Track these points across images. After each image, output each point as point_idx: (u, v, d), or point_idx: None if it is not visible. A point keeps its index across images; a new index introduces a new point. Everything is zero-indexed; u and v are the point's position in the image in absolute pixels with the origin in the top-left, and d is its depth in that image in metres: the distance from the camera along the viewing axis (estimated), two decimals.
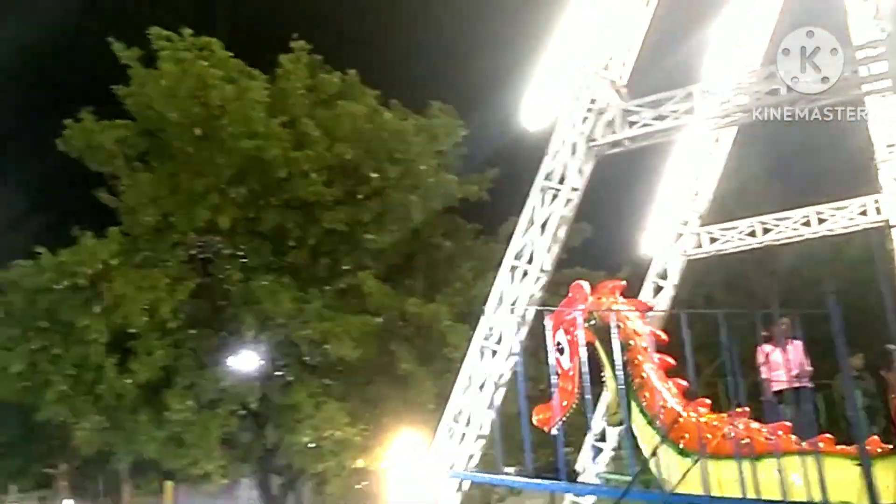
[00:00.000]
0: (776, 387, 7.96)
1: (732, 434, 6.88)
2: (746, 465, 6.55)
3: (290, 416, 17.32)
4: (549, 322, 8.16)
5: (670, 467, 7.22)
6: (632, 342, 7.87)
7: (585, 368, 7.14)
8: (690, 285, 15.26)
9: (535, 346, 9.43)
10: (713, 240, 12.29)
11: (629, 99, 9.09)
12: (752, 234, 12.31)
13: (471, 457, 8.34)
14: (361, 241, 18.36)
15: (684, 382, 7.42)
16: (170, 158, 18.14)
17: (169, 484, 26.29)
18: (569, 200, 8.72)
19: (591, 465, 8.18)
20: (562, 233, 8.80)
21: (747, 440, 6.65)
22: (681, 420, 7.49)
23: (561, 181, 8.80)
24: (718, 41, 10.64)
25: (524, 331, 8.48)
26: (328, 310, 17.42)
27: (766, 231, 12.23)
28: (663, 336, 7.84)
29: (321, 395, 17.51)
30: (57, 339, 16.96)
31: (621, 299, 8.31)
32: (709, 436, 7.08)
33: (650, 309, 8.81)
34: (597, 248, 18.16)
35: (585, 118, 8.95)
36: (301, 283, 17.99)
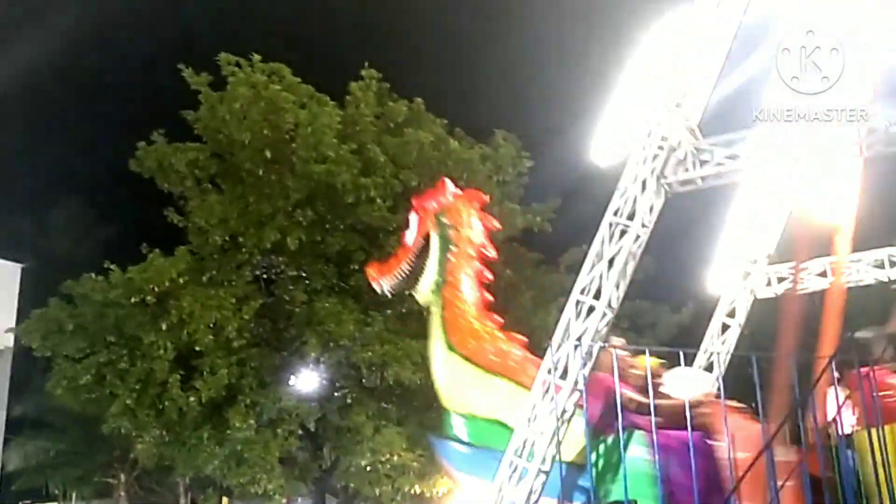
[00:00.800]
0: (847, 430, 7.81)
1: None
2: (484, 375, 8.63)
3: (348, 437, 17.45)
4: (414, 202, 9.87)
5: (440, 356, 9.07)
6: (461, 246, 9.43)
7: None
8: (754, 323, 14.99)
9: None
10: (782, 279, 12.04)
11: (701, 137, 9.00)
12: (823, 274, 12.01)
13: (531, 492, 8.28)
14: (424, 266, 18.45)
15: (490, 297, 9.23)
16: (239, 181, 18.57)
17: (226, 500, 26.67)
18: (638, 237, 8.63)
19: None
20: (630, 269, 8.70)
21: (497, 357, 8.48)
22: (461, 320, 9.08)
23: (630, 217, 8.72)
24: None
25: (589, 366, 8.42)
26: (389, 333, 17.55)
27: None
28: (493, 254, 9.49)
29: (379, 419, 17.62)
30: (124, 354, 17.42)
31: (473, 213, 9.70)
32: (472, 340, 8.74)
33: (494, 229, 9.92)
34: (661, 282, 18.06)
35: (656, 155, 8.86)
36: (363, 306, 18.17)
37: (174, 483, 32.00)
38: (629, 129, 9.41)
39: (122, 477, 32.72)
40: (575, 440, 7.82)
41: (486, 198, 10.02)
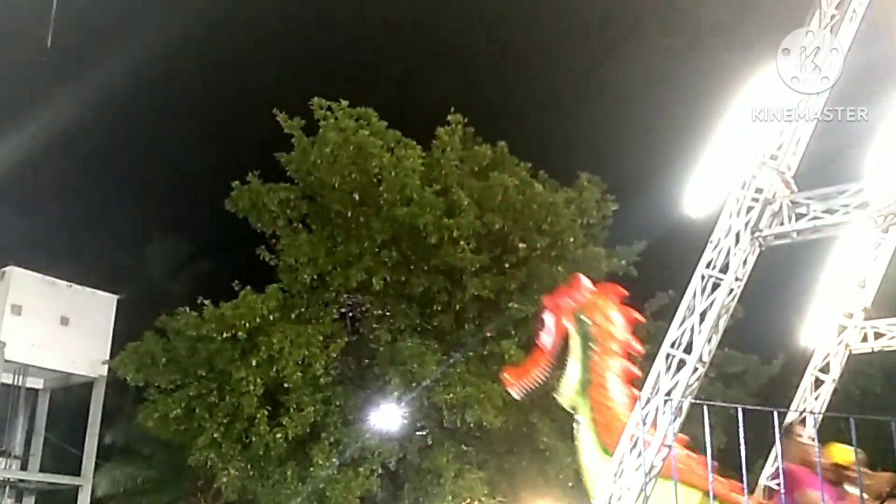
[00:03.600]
0: None
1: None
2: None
3: (429, 479, 17.46)
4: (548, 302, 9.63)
5: (594, 462, 8.82)
6: (603, 343, 9.18)
7: None
8: (847, 377, 14.51)
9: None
10: (879, 335, 11.63)
11: (797, 190, 8.86)
12: None
13: None
14: (506, 308, 18.52)
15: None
16: (328, 221, 19.02)
17: None
18: (731, 290, 8.54)
19: None
20: (722, 323, 8.61)
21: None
22: (615, 423, 8.69)
23: (723, 270, 8.64)
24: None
25: (679, 422, 8.32)
26: (471, 375, 17.59)
27: None
28: (639, 348, 9.28)
29: (460, 461, 17.59)
30: (213, 388, 17.86)
31: (613, 307, 9.41)
32: None
33: (637, 322, 9.58)
34: (751, 331, 17.58)
35: (751, 207, 8.77)
36: (445, 347, 18.28)
37: None
38: (723, 180, 9.34)
39: None
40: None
41: (624, 291, 9.58)
